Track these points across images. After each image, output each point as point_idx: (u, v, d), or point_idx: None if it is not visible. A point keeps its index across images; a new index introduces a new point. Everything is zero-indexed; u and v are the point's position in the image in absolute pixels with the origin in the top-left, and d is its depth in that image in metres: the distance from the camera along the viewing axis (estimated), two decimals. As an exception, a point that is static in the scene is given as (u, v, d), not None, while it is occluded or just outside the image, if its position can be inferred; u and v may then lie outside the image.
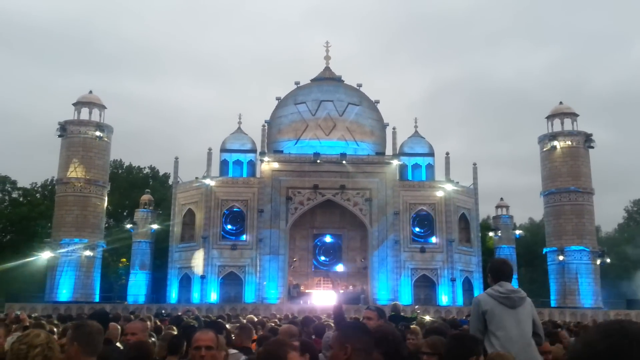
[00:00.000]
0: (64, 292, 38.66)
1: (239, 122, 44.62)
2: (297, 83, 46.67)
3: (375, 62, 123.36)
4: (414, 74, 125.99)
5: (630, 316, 33.46)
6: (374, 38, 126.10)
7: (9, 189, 58.95)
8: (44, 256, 39.49)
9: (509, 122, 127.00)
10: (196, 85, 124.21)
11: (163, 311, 24.84)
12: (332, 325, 9.63)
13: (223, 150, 43.11)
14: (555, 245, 42.82)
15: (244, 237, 40.04)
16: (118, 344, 7.06)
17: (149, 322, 10.21)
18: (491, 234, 48.24)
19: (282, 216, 39.71)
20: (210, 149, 41.61)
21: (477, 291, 38.79)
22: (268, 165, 40.47)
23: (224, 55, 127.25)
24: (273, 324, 11.31)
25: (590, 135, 43.90)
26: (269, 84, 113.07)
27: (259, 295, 38.51)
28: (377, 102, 46.21)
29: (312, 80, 46.80)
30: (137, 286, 42.98)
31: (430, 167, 43.81)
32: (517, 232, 48.55)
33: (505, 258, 7.89)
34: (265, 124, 42.91)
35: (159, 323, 11.75)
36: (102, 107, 42.85)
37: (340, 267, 41.72)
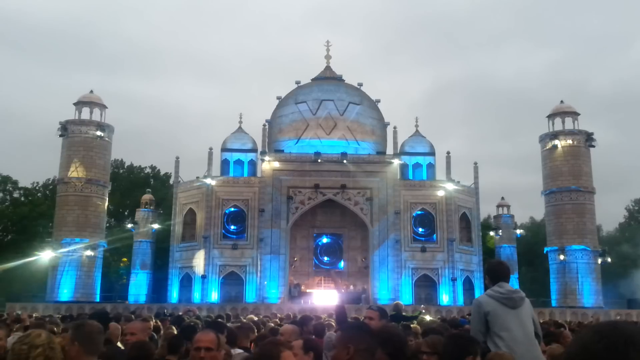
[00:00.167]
0: (65, 292, 38.71)
1: (240, 122, 44.67)
2: (297, 82, 46.67)
3: (376, 61, 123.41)
4: (415, 73, 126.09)
5: (631, 316, 33.44)
6: (375, 37, 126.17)
7: (10, 188, 59.00)
8: (45, 256, 39.54)
9: (510, 122, 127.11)
10: (197, 84, 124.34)
11: (165, 311, 24.85)
12: (333, 324, 9.63)
13: (224, 149, 43.16)
14: (556, 245, 42.81)
15: (244, 236, 40.06)
16: (118, 344, 7.06)
17: (151, 322, 10.21)
18: (492, 233, 48.22)
19: (282, 216, 39.72)
20: (211, 149, 41.66)
21: (478, 291, 38.78)
22: (269, 165, 40.48)
23: (225, 54, 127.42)
24: (273, 324, 11.31)
25: (592, 134, 43.89)
26: (269, 84, 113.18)
27: (260, 295, 38.52)
28: (378, 101, 46.22)
29: (312, 80, 46.79)
30: (138, 286, 43.03)
31: (431, 167, 43.82)
32: (518, 231, 48.52)
33: (501, 259, 7.92)
34: (266, 124, 42.92)
35: (158, 323, 11.74)
36: (103, 107, 42.88)
37: (341, 267, 41.74)
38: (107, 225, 48.12)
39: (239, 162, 42.92)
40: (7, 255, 44.61)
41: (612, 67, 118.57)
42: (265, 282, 38.68)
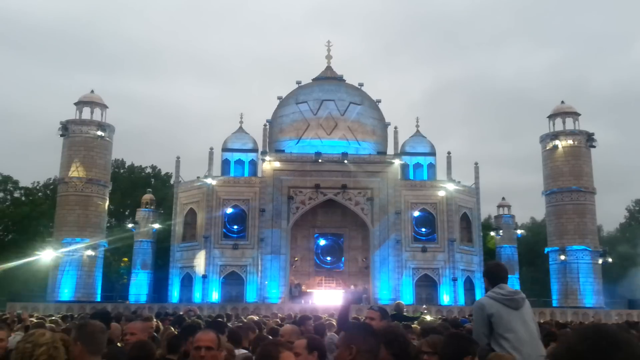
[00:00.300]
0: (66, 291, 38.72)
1: (241, 122, 44.71)
2: (298, 82, 46.69)
3: (377, 61, 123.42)
4: (416, 73, 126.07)
5: (631, 316, 33.40)
6: (375, 37, 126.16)
7: (11, 188, 59.05)
8: (46, 256, 39.54)
9: (510, 122, 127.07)
10: (198, 84, 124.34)
11: (168, 311, 24.89)
12: (334, 324, 9.63)
13: (225, 149, 43.18)
14: (557, 245, 42.79)
15: (245, 236, 40.06)
16: (118, 344, 7.06)
17: (154, 322, 10.21)
18: (493, 233, 48.21)
19: (283, 216, 39.72)
20: (211, 149, 41.67)
21: (479, 291, 38.77)
22: (269, 165, 40.48)
23: (226, 54, 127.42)
24: (274, 324, 11.31)
25: (592, 134, 43.87)
26: (270, 83, 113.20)
27: (261, 294, 38.53)
28: (379, 101, 46.23)
29: (313, 80, 46.80)
30: (139, 286, 43.06)
31: (431, 167, 43.82)
32: (519, 231, 48.54)
33: (498, 261, 7.96)
34: (267, 124, 42.93)
35: (158, 323, 11.76)
36: (103, 107, 42.90)
37: (341, 267, 41.75)
38: (108, 225, 48.13)
39: (239, 162, 42.94)
40: (8, 255, 44.62)
41: (612, 67, 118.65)
42: (266, 282, 38.68)
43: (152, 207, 45.45)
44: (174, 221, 42.09)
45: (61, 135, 41.47)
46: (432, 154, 44.23)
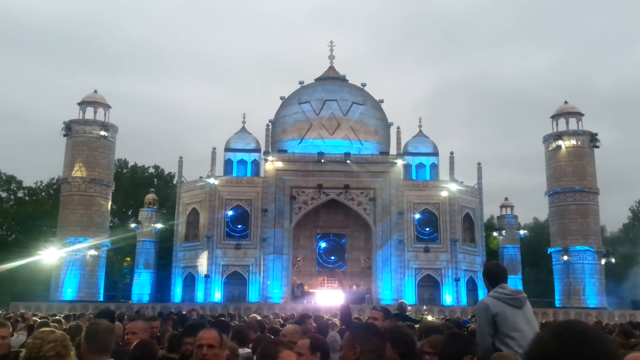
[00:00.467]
0: (69, 291, 38.77)
1: (243, 122, 44.74)
2: (301, 82, 46.71)
3: (380, 61, 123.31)
4: (418, 73, 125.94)
5: (635, 316, 33.32)
6: (378, 38, 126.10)
7: (15, 188, 59.18)
8: (49, 255, 39.60)
9: (513, 122, 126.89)
10: (200, 85, 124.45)
11: (172, 310, 24.97)
12: (337, 324, 9.64)
13: (227, 149, 43.23)
14: (560, 245, 42.72)
15: (248, 236, 40.09)
16: (120, 343, 7.08)
17: (158, 322, 10.22)
18: (495, 234, 48.17)
19: (286, 216, 39.74)
20: (214, 149, 41.70)
21: (481, 291, 38.71)
22: (272, 165, 40.50)
23: (229, 55, 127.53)
24: (276, 324, 11.32)
25: (596, 134, 43.78)
26: (273, 84, 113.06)
27: (263, 294, 38.55)
28: (381, 101, 46.23)
29: (316, 80, 46.82)
30: (142, 285, 43.13)
31: (434, 167, 43.81)
32: (522, 232, 48.46)
33: (497, 261, 8.00)
34: (269, 124, 42.95)
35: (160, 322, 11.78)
36: (106, 107, 42.97)
37: (344, 267, 41.75)
38: (111, 224, 48.17)
39: (242, 162, 42.97)
40: (11, 255, 44.67)
41: (615, 67, 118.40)
42: (268, 282, 38.71)
43: (154, 207, 45.51)
44: (177, 221, 42.15)
45: (64, 135, 41.53)
46: (435, 154, 44.21)
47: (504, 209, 48.49)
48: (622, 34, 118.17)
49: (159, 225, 44.41)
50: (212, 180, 40.36)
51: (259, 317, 13.44)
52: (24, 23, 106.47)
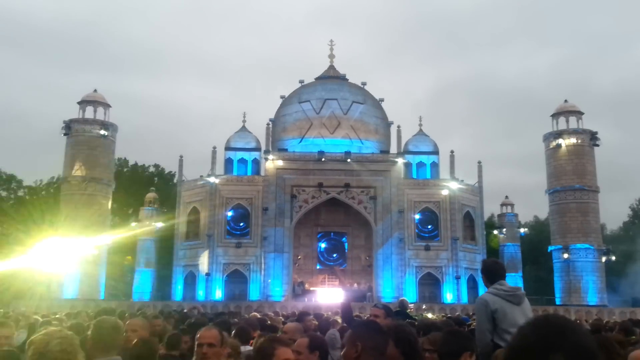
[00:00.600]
0: (70, 290, 38.80)
1: (244, 121, 44.74)
2: (301, 81, 46.71)
3: (380, 60, 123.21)
4: (419, 72, 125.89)
5: (635, 314, 33.34)
6: (378, 37, 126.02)
7: (15, 187, 59.16)
8: (49, 254, 39.53)
9: (513, 121, 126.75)
10: (201, 84, 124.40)
11: (175, 308, 25.01)
12: (338, 321, 9.65)
13: (228, 148, 43.25)
14: (560, 244, 42.74)
15: (248, 235, 40.11)
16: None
17: (160, 320, 10.23)
18: (496, 232, 48.16)
19: (286, 214, 39.77)
20: (214, 148, 41.71)
21: (482, 289, 38.69)
22: (272, 164, 40.52)
23: (229, 54, 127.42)
24: (277, 322, 11.33)
25: (596, 133, 43.79)
26: (273, 83, 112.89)
27: (264, 293, 38.60)
28: (382, 100, 46.24)
29: (316, 79, 46.83)
30: (142, 284, 43.14)
31: (434, 166, 43.82)
32: (522, 230, 48.41)
33: (495, 258, 8.04)
34: (270, 123, 42.98)
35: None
36: (106, 106, 42.99)
37: (344, 265, 41.78)
38: (111, 223, 48.17)
39: (242, 161, 43.00)
40: (11, 254, 44.70)
41: (615, 66, 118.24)
42: (269, 280, 38.75)
43: (155, 206, 45.51)
44: (178, 220, 42.17)
45: (64, 135, 41.56)
46: (435, 152, 44.22)
47: (504, 207, 48.48)
48: (622, 33, 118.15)
49: (160, 224, 44.42)
50: (212, 179, 40.38)
51: (258, 315, 13.46)
52: (24, 22, 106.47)
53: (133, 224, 45.72)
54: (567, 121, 44.42)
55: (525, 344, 1.66)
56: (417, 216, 40.64)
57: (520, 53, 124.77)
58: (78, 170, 40.60)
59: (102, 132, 41.32)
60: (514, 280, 42.32)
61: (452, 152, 42.10)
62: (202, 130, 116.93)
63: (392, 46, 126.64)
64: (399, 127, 42.10)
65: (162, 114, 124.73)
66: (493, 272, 5.99)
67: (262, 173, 41.67)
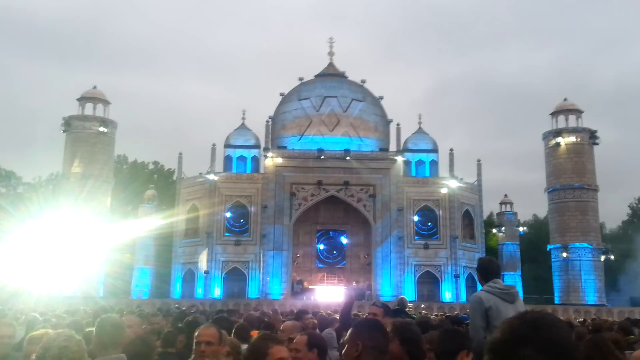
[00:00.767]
0: (68, 287, 38.74)
1: (243, 118, 44.72)
2: (301, 79, 46.64)
3: (379, 58, 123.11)
4: (418, 70, 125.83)
5: (634, 313, 33.34)
6: (378, 34, 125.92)
7: (14, 183, 59.12)
8: (48, 251, 39.50)
9: (513, 119, 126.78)
10: (200, 81, 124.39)
11: (176, 305, 25.02)
12: (336, 320, 9.63)
13: (227, 145, 43.23)
14: (559, 242, 42.74)
15: (247, 232, 40.10)
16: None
17: (159, 318, 10.23)
18: (495, 230, 48.16)
19: (285, 212, 39.75)
20: (214, 145, 41.68)
21: (481, 288, 38.71)
22: (272, 161, 40.50)
23: (228, 51, 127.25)
24: (277, 321, 11.31)
25: (595, 131, 43.77)
26: (272, 80, 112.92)
27: (263, 290, 38.59)
28: (381, 98, 46.18)
29: (315, 76, 46.76)
30: (141, 281, 43.09)
31: (434, 164, 43.81)
32: (521, 228, 48.40)
33: (490, 256, 8.01)
34: (269, 120, 42.94)
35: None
36: (106, 103, 42.94)
37: (343, 263, 41.78)
38: (110, 220, 48.08)
39: (242, 158, 42.98)
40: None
41: (615, 64, 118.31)
42: (268, 278, 38.74)
43: (154, 203, 45.43)
44: (177, 217, 42.13)
45: (64, 131, 41.51)
46: (435, 150, 44.21)
47: (503, 206, 48.47)
48: (622, 31, 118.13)
49: (159, 221, 44.32)
50: (211, 177, 40.36)
51: (256, 314, 13.45)
52: (25, 19, 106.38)
53: (132, 221, 45.62)
54: (567, 119, 44.39)
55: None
56: (415, 218, 40.60)
57: (520, 51, 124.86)
58: (77, 167, 40.56)
59: (102, 128, 41.26)
60: (513, 279, 42.35)
61: (451, 150, 42.11)
62: (201, 127, 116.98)
63: (391, 44, 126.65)
64: (398, 125, 42.13)
65: (162, 111, 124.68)
66: (488, 270, 6.02)
67: (262, 170, 41.65)
